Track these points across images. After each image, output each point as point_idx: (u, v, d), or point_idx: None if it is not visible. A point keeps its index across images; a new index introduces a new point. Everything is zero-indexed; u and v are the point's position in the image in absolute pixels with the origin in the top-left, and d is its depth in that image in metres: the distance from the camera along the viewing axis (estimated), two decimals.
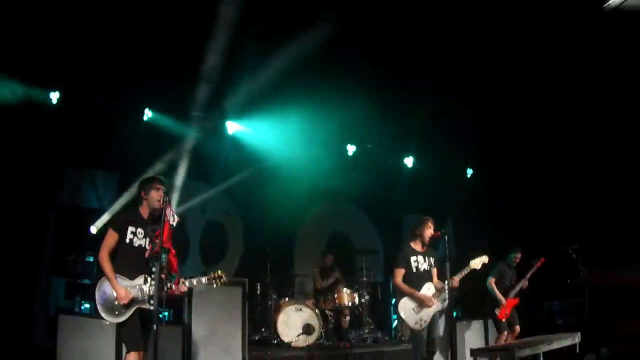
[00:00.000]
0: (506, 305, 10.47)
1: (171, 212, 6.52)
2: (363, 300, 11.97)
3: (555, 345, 9.26)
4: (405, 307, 8.11)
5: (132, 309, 6.37)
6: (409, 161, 15.26)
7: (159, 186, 6.64)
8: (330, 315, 11.86)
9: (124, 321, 6.38)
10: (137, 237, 6.57)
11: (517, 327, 10.69)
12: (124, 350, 8.21)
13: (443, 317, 8.54)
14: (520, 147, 13.78)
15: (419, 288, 8.14)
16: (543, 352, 9.04)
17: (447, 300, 8.19)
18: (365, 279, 12.26)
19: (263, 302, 11.88)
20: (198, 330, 8.90)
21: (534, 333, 10.71)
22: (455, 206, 15.29)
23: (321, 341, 11.12)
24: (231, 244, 13.76)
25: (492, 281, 10.55)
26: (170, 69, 10.67)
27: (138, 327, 6.42)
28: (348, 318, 12.17)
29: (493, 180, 14.98)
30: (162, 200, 6.48)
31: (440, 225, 8.60)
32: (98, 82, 10.79)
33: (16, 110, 10.09)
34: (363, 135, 14.48)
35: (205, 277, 6.92)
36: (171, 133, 11.96)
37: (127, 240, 6.51)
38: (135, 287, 6.43)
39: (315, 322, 10.91)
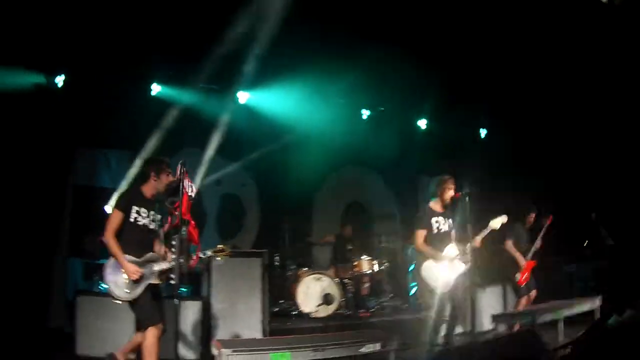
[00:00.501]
0: (525, 267, 10.14)
1: (189, 184, 6.47)
2: (382, 267, 11.91)
3: (576, 310, 9.27)
4: (429, 270, 7.96)
5: (143, 286, 6.41)
6: (422, 123, 15.05)
7: (169, 171, 6.56)
8: (350, 284, 11.79)
9: (136, 298, 6.42)
10: (141, 216, 6.56)
11: (534, 292, 10.33)
12: None
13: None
14: (535, 107, 13.56)
15: (441, 249, 7.96)
16: (564, 317, 9.04)
17: (469, 263, 7.90)
18: (383, 245, 12.19)
19: (282, 273, 11.87)
20: (218, 304, 8.94)
21: (552, 297, 10.66)
22: (471, 168, 15.15)
23: (341, 310, 11.12)
24: (248, 216, 13.75)
25: (510, 243, 10.15)
26: (176, 41, 10.51)
27: (151, 302, 6.50)
28: (367, 285, 12.11)
29: (508, 140, 14.78)
30: (180, 172, 6.41)
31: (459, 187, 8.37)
32: (102, 61, 10.69)
33: (24, 95, 10.02)
34: (375, 99, 14.31)
35: (210, 250, 6.85)
36: (181, 107, 11.82)
37: (132, 219, 6.51)
38: (143, 264, 6.44)
39: (334, 291, 10.90)
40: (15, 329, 8.69)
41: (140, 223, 6.54)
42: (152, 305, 6.49)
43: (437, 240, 8.03)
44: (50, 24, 9.52)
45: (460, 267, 7.93)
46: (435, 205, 8.23)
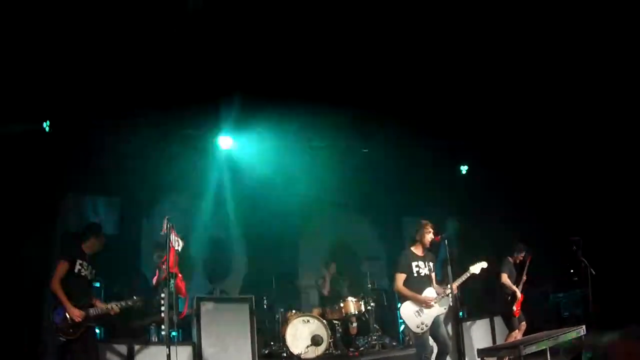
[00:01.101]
0: (519, 300, 10.54)
1: (176, 238, 6.66)
2: (369, 307, 12.03)
3: (561, 339, 9.36)
4: (407, 311, 8.17)
5: (82, 328, 7.21)
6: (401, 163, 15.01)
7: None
8: (338, 325, 11.89)
9: (75, 339, 7.21)
10: (82, 268, 7.43)
11: (524, 324, 10.70)
12: None
13: (448, 321, 8.52)
14: (513, 140, 13.73)
15: (420, 292, 8.16)
16: (549, 348, 9.17)
17: (448, 304, 8.17)
18: (369, 285, 12.36)
19: (270, 316, 11.93)
20: (208, 348, 9.03)
21: (540, 326, 10.83)
22: (455, 205, 15.32)
23: (330, 351, 11.19)
24: (235, 260, 13.85)
25: (505, 276, 10.56)
26: (159, 86, 10.66)
27: (86, 344, 7.33)
28: (355, 325, 12.10)
29: (489, 175, 14.96)
30: (166, 226, 6.62)
31: (440, 226, 8.58)
32: (89, 109, 10.77)
33: (11, 139, 10.14)
34: (358, 141, 14.48)
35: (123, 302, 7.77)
36: (167, 154, 12.00)
37: (76, 271, 7.38)
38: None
39: (323, 333, 10.96)
40: None
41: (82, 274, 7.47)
42: (86, 346, 7.45)
43: (417, 283, 8.23)
44: (35, 70, 9.69)
45: (438, 309, 8.15)
46: (416, 249, 8.46)
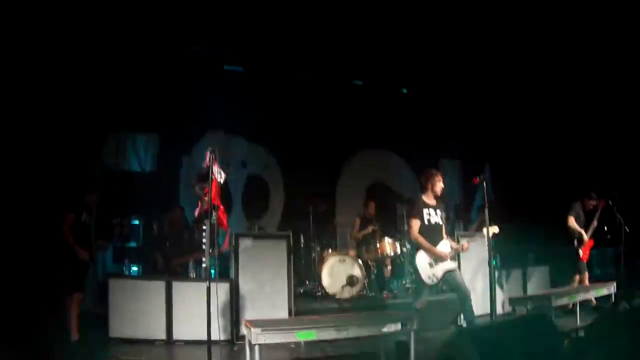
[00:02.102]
0: (587, 244, 10.58)
1: (218, 170, 6.67)
2: (405, 249, 11.99)
3: (592, 294, 9.37)
4: (422, 261, 8.08)
5: None
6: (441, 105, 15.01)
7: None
8: (373, 266, 11.97)
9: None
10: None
11: (586, 273, 10.77)
12: (175, 309, 8.64)
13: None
14: (555, 89, 13.54)
15: (432, 241, 8.06)
16: (579, 301, 9.19)
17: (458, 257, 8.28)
18: (406, 227, 12.30)
19: (307, 254, 12.10)
20: (245, 285, 9.16)
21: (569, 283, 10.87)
22: (492, 150, 15.19)
23: (364, 292, 11.30)
24: (273, 197, 13.97)
25: (572, 219, 10.59)
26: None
27: None
28: (390, 268, 12.23)
29: (530, 124, 14.78)
30: (209, 158, 6.63)
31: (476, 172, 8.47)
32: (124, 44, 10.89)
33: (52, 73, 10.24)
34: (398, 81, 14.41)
35: None
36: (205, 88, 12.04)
37: None
38: None
39: (358, 273, 11.01)
40: (46, 311, 8.98)
41: None
42: None
43: (429, 231, 8.13)
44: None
45: (450, 264, 8.07)
46: (427, 197, 8.31)
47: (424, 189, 8.38)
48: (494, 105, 14.80)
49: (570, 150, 13.86)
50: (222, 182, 6.68)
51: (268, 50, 11.96)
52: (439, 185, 8.24)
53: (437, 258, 8.00)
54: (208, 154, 6.55)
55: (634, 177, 12.07)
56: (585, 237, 10.50)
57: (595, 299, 10.12)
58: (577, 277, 10.69)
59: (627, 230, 10.33)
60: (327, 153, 13.81)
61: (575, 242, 10.60)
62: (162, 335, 8.92)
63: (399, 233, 12.24)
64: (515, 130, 14.99)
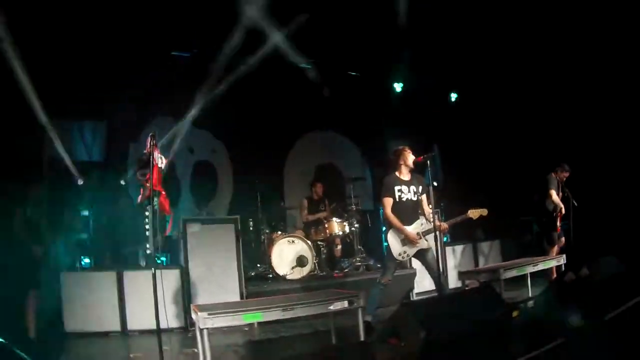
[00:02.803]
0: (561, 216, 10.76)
1: (159, 155, 6.65)
2: (353, 228, 12.07)
3: (541, 266, 9.60)
4: (393, 237, 8.12)
5: None
6: (396, 87, 14.97)
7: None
8: (322, 246, 12.06)
9: None
10: None
11: (563, 239, 11.04)
12: (128, 299, 8.62)
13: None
14: (505, 69, 13.65)
15: (406, 219, 8.06)
16: (530, 273, 9.39)
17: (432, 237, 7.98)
18: (354, 207, 12.38)
19: (256, 238, 12.11)
20: (195, 271, 9.19)
21: (520, 256, 11.09)
22: (441, 131, 15.30)
23: (315, 272, 11.38)
24: (221, 182, 13.93)
25: (554, 193, 10.75)
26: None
27: None
28: (340, 247, 12.31)
29: (478, 104, 14.93)
30: (149, 144, 6.60)
31: (425, 151, 8.43)
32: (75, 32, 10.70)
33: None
34: (347, 63, 14.41)
35: None
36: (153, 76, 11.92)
37: None
38: None
39: (308, 254, 11.11)
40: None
41: None
42: None
43: (401, 208, 8.11)
44: None
45: (424, 244, 8.07)
46: (400, 173, 8.25)
47: (395, 166, 8.29)
48: (441, 84, 14.96)
49: (518, 124, 14.01)
50: (163, 167, 6.67)
51: (215, 35, 11.84)
52: (410, 158, 8.17)
53: (406, 238, 8.02)
54: (148, 139, 6.52)
55: (578, 151, 12.23)
56: (563, 209, 10.68)
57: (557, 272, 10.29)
58: (556, 248, 10.91)
59: (575, 204, 10.56)
60: (274, 136, 13.77)
61: (554, 214, 10.78)
62: (117, 327, 8.94)
63: (347, 213, 12.26)
64: (462, 108, 15.19)
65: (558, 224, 10.76)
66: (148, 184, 6.39)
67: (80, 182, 11.01)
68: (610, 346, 5.79)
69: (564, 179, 10.94)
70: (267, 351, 7.74)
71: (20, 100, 10.33)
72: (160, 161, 6.58)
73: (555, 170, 10.97)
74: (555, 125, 13.15)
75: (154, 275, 6.22)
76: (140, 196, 6.86)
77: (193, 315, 6.46)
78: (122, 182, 9.30)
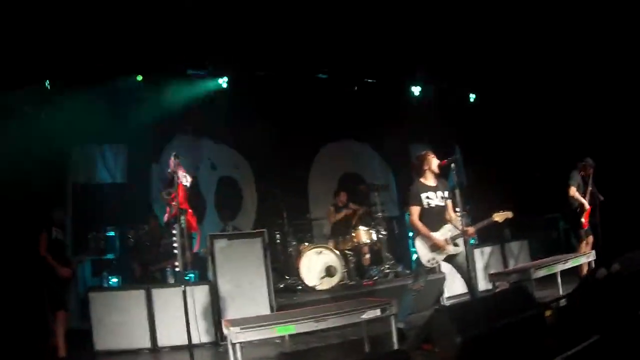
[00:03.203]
0: (588, 211, 10.51)
1: (183, 174, 6.67)
2: (380, 236, 12.04)
3: (571, 264, 9.43)
4: (420, 245, 7.97)
5: None
6: (415, 90, 14.95)
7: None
8: (351, 255, 11.98)
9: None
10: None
11: (591, 237, 10.71)
12: (157, 316, 8.64)
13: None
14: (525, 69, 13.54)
15: (433, 226, 7.92)
16: (560, 272, 9.25)
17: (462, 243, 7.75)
18: (380, 214, 12.34)
19: (284, 250, 12.10)
20: (224, 286, 9.17)
21: (549, 254, 10.96)
22: (462, 133, 15.22)
23: (344, 281, 11.28)
24: (246, 197, 13.97)
25: (573, 189, 10.54)
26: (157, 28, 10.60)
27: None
28: (368, 256, 12.25)
29: (498, 104, 14.83)
30: (173, 164, 6.62)
31: (447, 154, 8.33)
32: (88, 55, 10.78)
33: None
34: (364, 70, 14.40)
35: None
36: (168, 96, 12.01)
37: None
38: None
39: (336, 263, 11.05)
40: (31, 335, 8.95)
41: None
42: None
43: (429, 215, 7.97)
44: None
45: (452, 249, 7.91)
46: (425, 179, 8.12)
47: (420, 173, 8.16)
48: (460, 86, 14.91)
49: (540, 119, 13.91)
50: (188, 185, 6.69)
51: (229, 50, 11.88)
52: (434, 163, 8.03)
53: (434, 245, 7.88)
54: (172, 159, 6.54)
55: (604, 146, 12.11)
56: (587, 205, 10.45)
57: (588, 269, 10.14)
58: (584, 244, 10.64)
59: (602, 198, 10.42)
60: (296, 148, 13.80)
61: (577, 211, 10.57)
62: (147, 344, 8.91)
63: (373, 220, 12.20)
64: (481, 109, 15.12)
65: (583, 220, 10.49)
66: (174, 203, 6.41)
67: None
68: None
69: (590, 174, 10.68)
70: None
71: (44, 124, 10.45)
72: (185, 179, 6.61)
73: (577, 166, 10.78)
74: (581, 119, 13.02)
75: (184, 292, 6.22)
76: (166, 215, 6.89)
77: (225, 330, 6.43)
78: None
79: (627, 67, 11.88)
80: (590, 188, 10.57)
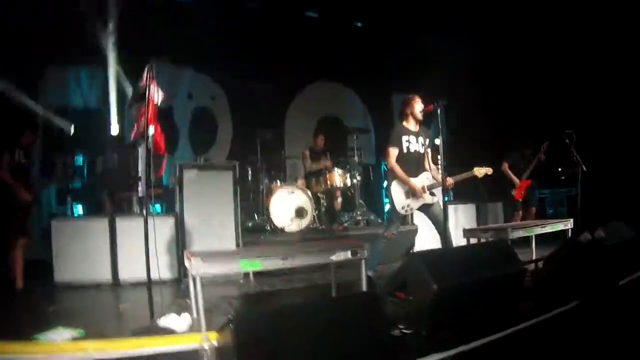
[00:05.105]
0: (520, 186, 11.21)
1: (156, 88, 6.25)
2: (355, 181, 11.71)
3: (549, 229, 9.31)
4: (397, 189, 7.74)
5: None
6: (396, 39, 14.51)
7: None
8: (323, 198, 11.78)
9: None
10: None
11: (534, 209, 11.46)
12: (120, 248, 8.31)
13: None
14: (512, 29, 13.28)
15: (411, 172, 7.71)
16: (535, 235, 9.12)
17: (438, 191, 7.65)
18: (356, 159, 12.05)
19: (255, 187, 11.76)
20: (191, 219, 8.85)
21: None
22: (447, 88, 14.90)
23: (314, 225, 11.04)
24: (220, 130, 13.69)
25: (505, 166, 11.35)
26: None
27: None
28: (340, 200, 12.00)
29: (484, 62, 14.53)
30: (145, 77, 6.20)
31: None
32: None
33: None
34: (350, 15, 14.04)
35: None
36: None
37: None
38: None
39: (307, 205, 10.72)
40: None
41: None
42: None
43: (407, 159, 7.75)
44: None
45: (428, 198, 7.73)
46: (407, 123, 7.88)
47: (403, 116, 7.90)
48: (448, 41, 14.54)
49: (526, 88, 13.69)
50: (159, 102, 6.25)
51: None
52: (418, 108, 7.74)
53: (411, 191, 7.66)
54: (145, 72, 6.10)
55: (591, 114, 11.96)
56: (517, 182, 11.24)
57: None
58: (518, 214, 11.36)
59: (585, 169, 10.25)
60: (276, 85, 13.55)
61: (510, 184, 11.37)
62: (108, 278, 8.62)
63: (349, 165, 11.89)
64: (471, 68, 14.78)
65: (514, 193, 11.29)
66: (142, 119, 5.97)
67: (70, 129, 10.67)
68: (624, 312, 5.58)
69: (529, 153, 11.36)
70: (263, 302, 7.40)
71: (18, 44, 10.01)
72: (157, 95, 6.16)
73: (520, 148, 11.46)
74: (562, 87, 12.90)
75: (145, 221, 5.88)
76: (133, 132, 6.47)
77: (186, 262, 6.06)
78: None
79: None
80: (532, 165, 11.21)
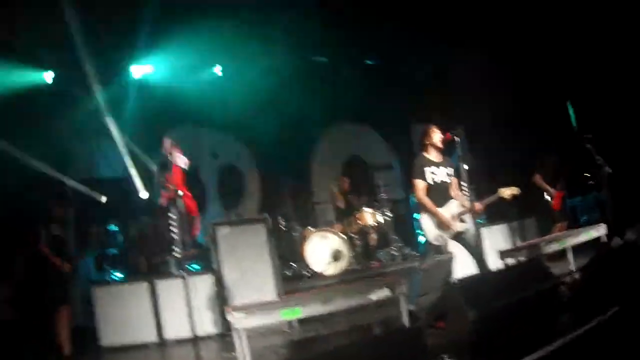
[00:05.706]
0: (556, 196, 11.12)
1: (179, 155, 6.44)
2: (386, 217, 11.86)
3: (583, 238, 9.20)
4: (426, 222, 7.65)
5: None
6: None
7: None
8: (357, 238, 11.79)
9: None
10: None
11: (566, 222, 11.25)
12: (162, 308, 8.46)
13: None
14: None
15: (439, 201, 7.59)
16: (572, 246, 9.04)
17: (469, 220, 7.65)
18: (384, 195, 12.12)
19: (288, 235, 11.81)
20: (229, 275, 8.91)
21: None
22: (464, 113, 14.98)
23: (352, 265, 11.10)
24: (248, 185, 13.83)
25: (538, 178, 11.16)
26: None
27: None
28: (375, 237, 12.04)
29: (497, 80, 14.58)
30: (168, 145, 6.41)
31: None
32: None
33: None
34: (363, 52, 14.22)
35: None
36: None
37: None
38: None
39: (343, 247, 10.82)
40: (34, 334, 8.70)
41: None
42: None
43: (436, 192, 7.64)
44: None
45: (459, 226, 7.62)
46: (427, 154, 7.78)
47: (422, 147, 7.82)
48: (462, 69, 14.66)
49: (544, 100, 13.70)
50: (184, 167, 6.46)
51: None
52: (437, 137, 7.68)
53: (440, 222, 7.57)
54: (166, 140, 6.32)
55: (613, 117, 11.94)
56: (552, 192, 11.07)
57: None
58: (558, 226, 11.02)
59: (610, 170, 10.20)
60: (297, 132, 13.68)
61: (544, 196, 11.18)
62: (153, 337, 8.70)
63: (377, 202, 11.97)
64: (485, 93, 14.86)
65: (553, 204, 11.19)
66: (170, 185, 6.17)
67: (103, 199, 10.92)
68: None
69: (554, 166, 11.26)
70: (309, 349, 7.45)
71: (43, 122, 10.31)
72: (181, 161, 6.37)
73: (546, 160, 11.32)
74: (582, 96, 12.87)
75: (184, 280, 6.03)
76: (163, 198, 6.66)
77: (228, 317, 6.19)
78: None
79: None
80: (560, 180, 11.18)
